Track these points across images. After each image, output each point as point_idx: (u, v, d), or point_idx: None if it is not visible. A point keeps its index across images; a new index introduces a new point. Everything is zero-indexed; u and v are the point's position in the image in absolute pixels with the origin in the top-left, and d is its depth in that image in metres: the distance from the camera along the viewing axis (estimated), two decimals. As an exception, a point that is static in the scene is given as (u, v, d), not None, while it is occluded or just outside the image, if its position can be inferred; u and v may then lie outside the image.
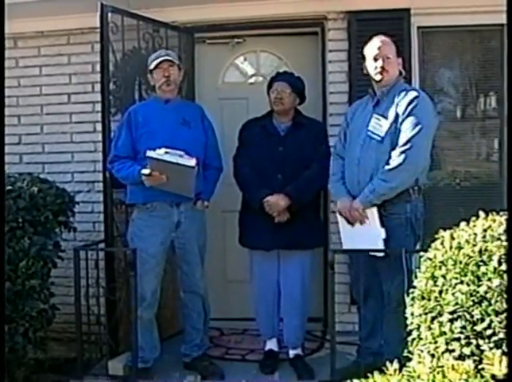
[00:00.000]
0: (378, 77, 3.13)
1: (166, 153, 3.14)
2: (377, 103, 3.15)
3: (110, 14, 3.53)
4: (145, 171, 3.19)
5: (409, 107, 3.00)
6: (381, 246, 3.02)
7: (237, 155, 3.60)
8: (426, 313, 1.96)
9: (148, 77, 3.50)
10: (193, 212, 3.45)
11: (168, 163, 3.14)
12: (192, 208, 3.44)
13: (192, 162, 3.16)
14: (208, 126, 3.58)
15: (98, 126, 3.76)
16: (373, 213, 3.04)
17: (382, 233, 3.01)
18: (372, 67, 3.15)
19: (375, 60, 3.13)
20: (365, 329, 3.33)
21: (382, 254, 3.02)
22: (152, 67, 3.40)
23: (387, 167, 2.99)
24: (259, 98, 3.82)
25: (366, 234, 3.06)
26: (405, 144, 2.97)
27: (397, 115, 3.03)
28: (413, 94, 3.05)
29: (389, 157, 3.01)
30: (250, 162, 3.50)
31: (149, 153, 3.14)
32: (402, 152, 2.96)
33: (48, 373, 3.59)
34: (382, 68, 3.10)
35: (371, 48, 3.17)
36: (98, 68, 3.71)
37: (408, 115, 2.99)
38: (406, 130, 2.98)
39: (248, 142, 3.57)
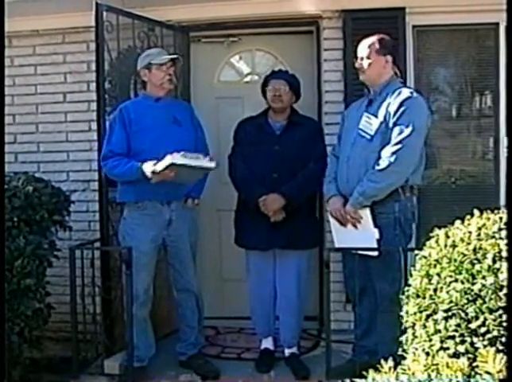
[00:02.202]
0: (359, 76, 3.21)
1: (184, 156, 3.12)
2: (370, 102, 3.17)
3: (105, 13, 3.52)
4: (158, 168, 3.14)
5: (402, 107, 3.00)
6: (375, 246, 3.03)
7: (232, 154, 3.60)
8: (421, 312, 1.96)
9: (141, 73, 3.47)
10: (184, 210, 3.47)
11: (189, 167, 3.14)
12: (182, 206, 3.46)
13: (213, 164, 3.21)
14: (197, 124, 3.59)
15: (94, 125, 3.75)
16: (366, 214, 3.05)
17: (376, 234, 3.02)
18: (356, 64, 3.23)
19: (356, 57, 3.21)
20: (360, 327, 3.33)
21: (376, 253, 3.03)
22: (160, 62, 3.38)
23: (376, 168, 3.00)
24: (255, 97, 3.82)
25: (360, 235, 3.06)
26: (395, 144, 2.97)
27: (388, 114, 3.03)
28: (405, 94, 3.05)
29: (379, 156, 3.02)
30: (245, 161, 3.50)
31: (172, 160, 3.08)
32: (393, 153, 2.97)
33: (44, 372, 3.58)
34: (359, 68, 3.18)
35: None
36: (93, 66, 3.70)
37: (400, 115, 3.00)
38: (397, 131, 2.98)
39: (243, 141, 3.57)
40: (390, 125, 3.01)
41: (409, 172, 3.06)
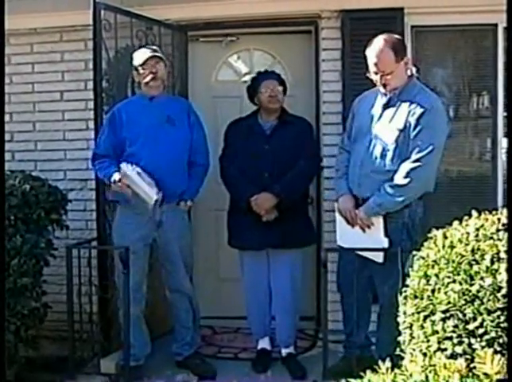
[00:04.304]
0: (381, 89, 3.03)
1: (138, 173, 3.23)
2: (387, 103, 3.04)
3: (103, 12, 3.52)
4: (115, 177, 3.25)
5: (422, 121, 2.89)
6: (380, 254, 2.99)
7: (223, 156, 3.59)
8: (419, 312, 1.96)
9: (133, 74, 3.47)
10: (175, 211, 3.45)
11: (134, 183, 3.23)
12: (174, 208, 3.44)
13: (153, 198, 3.23)
14: (195, 121, 3.54)
15: (91, 124, 3.74)
16: (378, 222, 3.01)
17: (385, 243, 2.98)
18: (374, 76, 3.01)
19: (375, 73, 2.99)
20: (349, 325, 3.30)
21: (381, 260, 2.98)
22: (140, 62, 3.37)
23: (396, 182, 2.93)
24: (252, 96, 3.80)
25: (368, 239, 3.03)
26: (415, 161, 2.90)
27: (408, 124, 2.92)
28: (427, 103, 2.92)
29: (396, 167, 2.95)
30: (236, 162, 3.49)
31: (124, 167, 3.24)
32: (412, 169, 2.90)
33: (40, 372, 3.56)
34: (383, 83, 2.98)
35: (370, 58, 2.99)
36: (90, 65, 3.70)
37: (421, 129, 2.89)
38: (419, 146, 2.89)
39: (234, 142, 3.56)
40: (411, 136, 2.91)
41: (427, 186, 3.03)
